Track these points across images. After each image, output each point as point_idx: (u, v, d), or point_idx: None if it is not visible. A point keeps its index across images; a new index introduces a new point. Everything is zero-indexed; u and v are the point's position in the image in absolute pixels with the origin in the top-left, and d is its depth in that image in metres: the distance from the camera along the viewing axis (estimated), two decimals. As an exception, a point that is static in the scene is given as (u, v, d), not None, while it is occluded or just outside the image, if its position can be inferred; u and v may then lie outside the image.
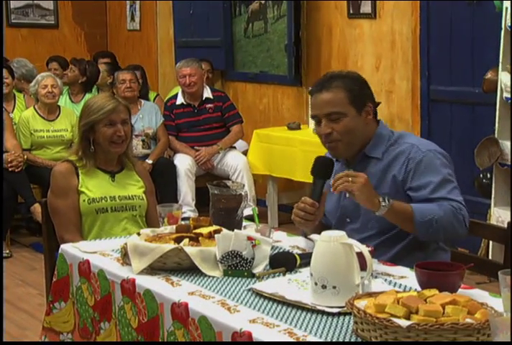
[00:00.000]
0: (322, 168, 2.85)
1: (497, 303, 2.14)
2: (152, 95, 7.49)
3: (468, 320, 1.95)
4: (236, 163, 6.56)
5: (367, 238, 2.89)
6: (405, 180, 2.88)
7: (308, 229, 2.86)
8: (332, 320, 2.19)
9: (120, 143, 3.54)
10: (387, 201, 2.71)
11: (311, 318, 2.21)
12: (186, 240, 2.70)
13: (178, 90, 6.82)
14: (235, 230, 2.71)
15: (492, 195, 5.10)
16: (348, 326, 2.14)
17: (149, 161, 6.45)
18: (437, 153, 2.91)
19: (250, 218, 3.22)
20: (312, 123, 3.08)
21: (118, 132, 3.52)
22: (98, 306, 2.79)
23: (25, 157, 6.17)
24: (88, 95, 7.21)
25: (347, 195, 2.86)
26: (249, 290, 2.46)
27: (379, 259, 2.76)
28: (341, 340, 2.06)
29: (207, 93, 6.71)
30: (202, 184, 5.96)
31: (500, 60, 5.00)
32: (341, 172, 2.77)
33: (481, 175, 5.27)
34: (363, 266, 2.29)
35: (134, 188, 3.61)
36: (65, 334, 2.96)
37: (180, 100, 6.71)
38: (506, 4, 4.96)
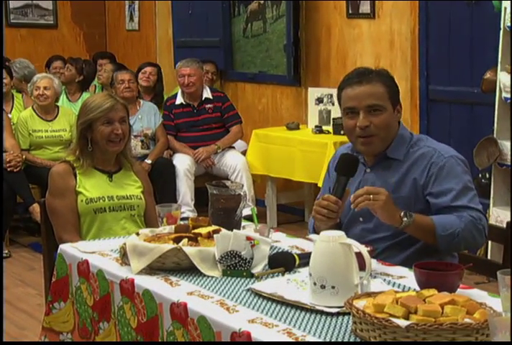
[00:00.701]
0: (347, 165, 2.81)
1: (496, 303, 2.14)
2: (165, 96, 7.43)
3: (467, 320, 1.95)
4: (235, 163, 6.55)
5: (379, 239, 2.89)
6: (426, 185, 2.85)
7: (327, 227, 2.79)
8: (331, 320, 2.19)
9: (118, 141, 3.53)
10: (409, 217, 2.70)
11: (310, 318, 2.21)
12: (185, 240, 2.70)
13: (178, 90, 6.82)
14: (234, 230, 2.71)
15: (491, 195, 5.11)
16: (347, 326, 2.14)
17: (148, 161, 6.44)
18: (458, 159, 2.89)
19: (249, 218, 3.22)
20: (344, 116, 2.98)
21: (115, 130, 3.50)
22: (97, 306, 2.79)
23: (24, 157, 6.16)
24: (85, 94, 7.20)
25: None
26: (248, 290, 2.46)
27: (388, 262, 2.74)
28: (340, 340, 2.05)
29: (206, 94, 6.70)
30: (201, 184, 5.96)
31: (499, 60, 5.01)
32: (360, 189, 2.71)
33: (480, 175, 5.27)
34: (362, 266, 2.29)
35: (132, 188, 3.60)
36: (65, 334, 2.96)
37: (179, 100, 6.70)
38: (505, 4, 4.97)
